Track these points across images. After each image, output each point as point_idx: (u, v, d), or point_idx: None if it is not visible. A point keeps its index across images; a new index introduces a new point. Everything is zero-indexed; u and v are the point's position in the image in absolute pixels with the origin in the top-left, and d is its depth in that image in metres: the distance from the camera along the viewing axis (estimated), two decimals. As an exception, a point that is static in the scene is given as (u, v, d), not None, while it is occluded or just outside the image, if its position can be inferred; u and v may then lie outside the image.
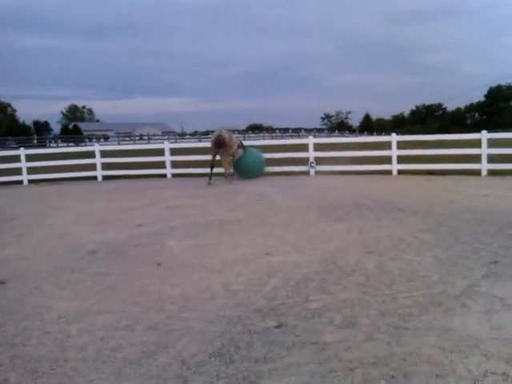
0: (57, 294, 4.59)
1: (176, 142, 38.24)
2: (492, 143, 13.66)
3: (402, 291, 4.21)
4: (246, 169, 14.49)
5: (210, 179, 13.53)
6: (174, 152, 16.62)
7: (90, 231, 7.51)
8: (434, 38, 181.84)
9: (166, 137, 53.46)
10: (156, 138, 53.47)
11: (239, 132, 57.95)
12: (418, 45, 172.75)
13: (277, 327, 3.56)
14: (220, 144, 13.40)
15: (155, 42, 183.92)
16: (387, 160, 14.52)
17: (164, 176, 15.98)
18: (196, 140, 46.44)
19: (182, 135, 63.37)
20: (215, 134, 14.09)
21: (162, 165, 16.09)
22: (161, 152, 16.25)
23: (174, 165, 16.19)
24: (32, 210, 10.09)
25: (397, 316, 3.66)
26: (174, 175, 15.99)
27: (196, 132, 60.56)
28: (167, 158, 15.99)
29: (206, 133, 56.88)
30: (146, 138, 52.55)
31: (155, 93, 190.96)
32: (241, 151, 14.40)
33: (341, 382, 2.77)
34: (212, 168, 13.66)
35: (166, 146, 16.39)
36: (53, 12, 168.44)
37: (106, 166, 16.57)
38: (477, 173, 13.35)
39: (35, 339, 3.56)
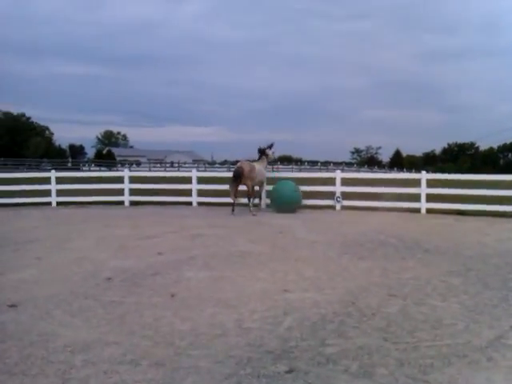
0: (66, 321, 4.51)
1: (205, 171, 38.63)
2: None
3: (424, 339, 3.96)
4: (281, 201, 14.10)
5: (233, 210, 13.46)
6: (200, 180, 16.70)
7: (109, 257, 7.47)
8: (468, 77, 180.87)
9: (196, 165, 54.13)
10: (186, 165, 54.22)
11: (269, 163, 58.28)
12: (451, 83, 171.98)
13: (288, 372, 3.37)
14: (238, 175, 13.40)
15: (190, 74, 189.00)
16: (416, 198, 14.21)
17: (190, 204, 16.01)
18: (225, 169, 46.75)
19: (212, 164, 64.09)
20: (237, 165, 14.16)
21: (188, 193, 16.16)
22: (188, 180, 16.34)
23: (201, 193, 16.24)
24: (55, 233, 10.16)
25: (417, 367, 3.42)
26: (200, 203, 16.01)
27: (226, 161, 61.15)
28: (194, 187, 16.05)
29: (236, 162, 57.57)
30: (176, 165, 53.32)
31: (187, 122, 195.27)
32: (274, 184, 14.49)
33: None
34: (234, 198, 13.61)
35: (194, 174, 16.48)
36: (93, 41, 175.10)
37: (134, 192, 16.75)
38: (509, 215, 12.89)
39: (37, 369, 3.46)
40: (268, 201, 15.08)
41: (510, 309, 4.78)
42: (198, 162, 60.11)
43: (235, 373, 3.36)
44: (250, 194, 13.87)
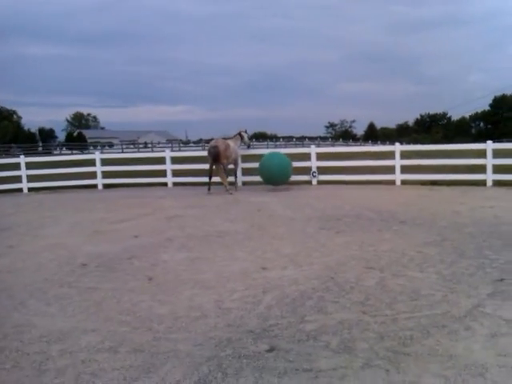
0: (42, 311, 4.39)
1: (180, 150, 38.21)
2: (497, 153, 13.43)
3: (403, 311, 3.99)
4: (269, 175, 13.67)
5: (209, 189, 13.39)
6: (175, 160, 16.47)
7: (83, 242, 7.32)
8: (437, 47, 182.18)
9: (170, 144, 53.44)
10: (160, 145, 53.43)
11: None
12: (421, 54, 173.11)
13: (268, 351, 3.34)
14: (214, 155, 13.25)
15: (157, 51, 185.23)
16: (391, 170, 14.32)
17: (165, 185, 15.82)
18: (200, 148, 46.34)
19: (186, 143, 63.30)
20: (211, 143, 13.96)
21: (163, 173, 15.94)
22: (162, 160, 16.10)
23: (176, 173, 16.03)
24: (27, 220, 9.91)
25: (397, 340, 3.44)
26: (175, 184, 15.83)
27: (201, 140, 60.46)
28: (168, 167, 15.83)
29: (211, 140, 57.03)
30: (150, 145, 52.54)
31: (159, 101, 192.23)
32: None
33: (334, 415, 2.55)
34: (210, 177, 13.50)
35: (167, 154, 16.24)
36: (56, 20, 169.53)
37: (106, 175, 16.44)
38: (482, 183, 13.11)
39: (11, 362, 3.35)
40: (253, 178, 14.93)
41: (487, 277, 4.84)
42: (172, 142, 59.24)
43: (215, 355, 3.32)
44: (222, 173, 13.70)
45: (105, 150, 49.52)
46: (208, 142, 53.80)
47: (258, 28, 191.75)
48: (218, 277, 5.20)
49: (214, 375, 3.04)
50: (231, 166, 14.47)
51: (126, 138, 71.14)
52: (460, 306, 4.05)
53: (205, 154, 14.81)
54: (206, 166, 15.14)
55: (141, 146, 57.09)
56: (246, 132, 15.02)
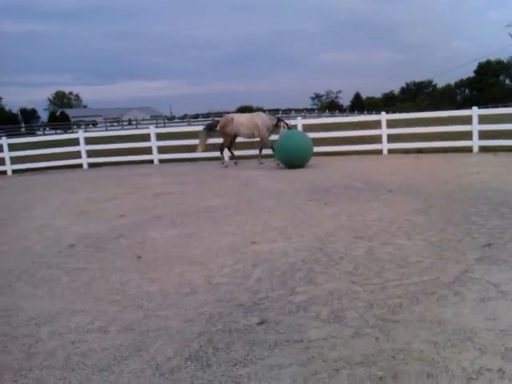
0: (30, 293, 4.35)
1: (164, 127, 37.76)
2: (483, 119, 13.44)
3: (392, 279, 4.00)
4: (286, 155, 12.18)
5: (234, 162, 13.71)
6: (160, 137, 16.29)
7: (70, 223, 7.24)
8: (419, 15, 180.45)
9: (155, 121, 52.80)
10: (144, 122, 52.77)
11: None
12: (403, 22, 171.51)
13: (259, 324, 3.34)
14: (209, 127, 13.74)
15: (135, 25, 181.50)
16: (377, 139, 14.29)
17: (151, 162, 15.67)
18: (185, 123, 45.88)
19: (171, 119, 62.49)
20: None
21: (148, 150, 15.76)
22: (147, 137, 15.90)
23: (161, 150, 15.87)
24: (12, 202, 9.77)
25: (386, 308, 3.46)
26: (162, 161, 15.69)
27: (186, 115, 59.74)
28: (153, 144, 15.64)
29: (196, 116, 56.28)
30: (134, 122, 51.89)
31: (140, 77, 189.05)
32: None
33: (325, 385, 2.56)
34: (229, 149, 13.94)
35: (152, 130, 16.03)
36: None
37: (91, 153, 16.23)
38: (468, 150, 13.15)
39: (0, 346, 3.32)
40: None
41: (474, 242, 4.88)
42: (156, 118, 58.50)
43: (206, 330, 3.32)
44: (220, 146, 13.85)
45: (89, 129, 48.83)
46: (193, 117, 53.30)
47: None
48: (207, 252, 5.18)
49: (205, 350, 3.03)
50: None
51: (109, 115, 70.05)
52: (448, 272, 4.07)
53: (191, 129, 14.71)
54: (193, 142, 15.03)
55: (125, 123, 56.26)
56: (283, 124, 13.25)
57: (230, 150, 13.98)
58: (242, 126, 13.18)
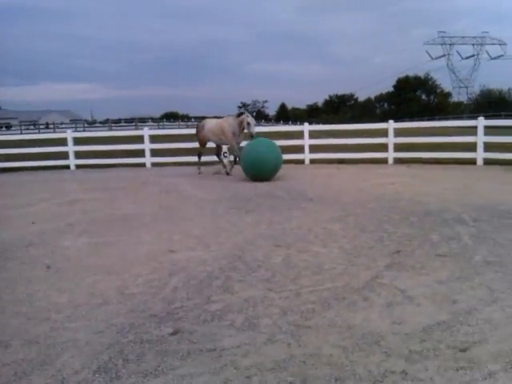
0: None
1: (84, 131, 36.40)
2: (398, 132, 14.20)
3: (306, 286, 4.08)
4: (251, 168, 11.03)
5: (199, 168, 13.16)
6: (78, 142, 15.65)
7: (-26, 231, 6.72)
8: (345, 30, 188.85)
9: (74, 125, 50.67)
10: (63, 126, 50.44)
11: (153, 120, 56.40)
12: (330, 36, 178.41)
13: (172, 334, 3.27)
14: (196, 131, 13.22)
15: (58, 27, 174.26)
16: (300, 149, 14.66)
17: (67, 168, 15.00)
18: (107, 128, 44.45)
19: (92, 123, 60.25)
20: None
21: (65, 155, 15.08)
22: (64, 142, 15.21)
23: (79, 155, 15.25)
24: None
25: (299, 314, 3.51)
26: (79, 166, 15.06)
27: (108, 120, 57.79)
28: (70, 149, 14.99)
29: (119, 120, 54.75)
30: (52, 126, 49.45)
31: (62, 79, 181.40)
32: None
33: (236, 393, 2.54)
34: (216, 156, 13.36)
35: (69, 135, 15.37)
36: None
37: (2, 158, 15.25)
38: (384, 161, 13.84)
39: None
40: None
41: (385, 249, 5.10)
42: (76, 122, 56.10)
43: (117, 341, 3.19)
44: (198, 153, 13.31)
45: (1, 132, 45.91)
46: (115, 122, 51.72)
47: (168, 4, 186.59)
48: (121, 262, 5.00)
49: (115, 362, 2.91)
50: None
51: (26, 118, 66.42)
52: (359, 278, 4.22)
53: (112, 134, 14.25)
54: (114, 147, 14.63)
55: (42, 126, 53.50)
56: (248, 115, 11.94)
57: (218, 156, 13.11)
58: (210, 133, 12.55)
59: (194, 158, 14.88)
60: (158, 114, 79.24)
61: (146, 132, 15.52)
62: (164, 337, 3.24)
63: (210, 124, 12.76)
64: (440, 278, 4.17)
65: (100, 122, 57.98)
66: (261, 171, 10.88)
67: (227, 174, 12.47)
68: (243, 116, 11.84)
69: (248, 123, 11.57)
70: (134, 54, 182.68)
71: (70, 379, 2.75)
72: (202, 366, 2.83)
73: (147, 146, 15.14)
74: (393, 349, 2.95)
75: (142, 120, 54.13)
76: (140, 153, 15.32)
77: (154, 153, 15.37)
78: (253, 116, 12.13)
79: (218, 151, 13.14)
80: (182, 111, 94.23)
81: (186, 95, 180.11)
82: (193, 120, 60.28)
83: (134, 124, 48.47)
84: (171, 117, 72.83)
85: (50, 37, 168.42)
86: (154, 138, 15.85)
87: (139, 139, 15.55)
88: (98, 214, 7.63)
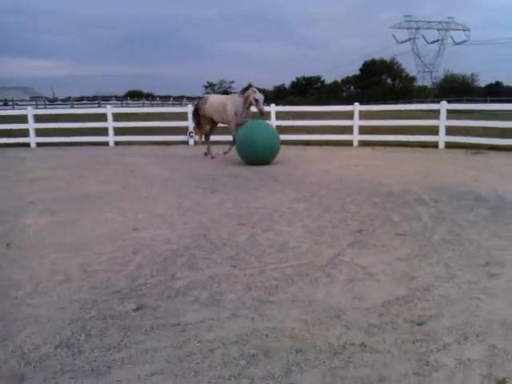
0: None
1: (45, 109, 35.31)
2: (363, 115, 14.37)
3: (270, 263, 4.13)
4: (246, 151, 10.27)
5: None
6: (39, 119, 15.18)
7: None
8: (312, 11, 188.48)
9: (34, 102, 49.00)
10: (23, 103, 48.69)
11: (117, 98, 55.13)
12: (297, 17, 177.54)
13: (135, 310, 3.26)
14: (193, 112, 12.17)
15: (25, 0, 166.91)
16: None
17: (27, 145, 14.55)
18: (69, 106, 43.22)
19: (53, 101, 58.26)
20: None
21: (25, 133, 14.62)
22: (24, 119, 14.73)
23: (41, 133, 14.80)
24: None
25: (263, 289, 3.56)
26: (40, 144, 14.64)
27: (69, 97, 56.12)
28: (31, 126, 14.54)
29: (81, 98, 53.28)
30: (10, 103, 47.66)
31: (24, 55, 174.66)
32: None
33: (198, 365, 2.57)
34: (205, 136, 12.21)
35: (30, 112, 14.88)
36: None
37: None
38: (349, 144, 14.02)
39: None
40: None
41: (348, 228, 5.21)
42: (36, 99, 54.22)
43: (79, 317, 3.16)
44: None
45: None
46: (77, 100, 50.22)
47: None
48: (84, 240, 4.93)
49: (77, 337, 2.89)
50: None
51: (-18, 94, 63.63)
52: (322, 256, 4.30)
53: (74, 111, 13.89)
54: (76, 125, 14.25)
55: (0, 103, 51.49)
56: (255, 90, 10.58)
57: (206, 136, 12.12)
58: (211, 108, 11.37)
59: (160, 138, 14.76)
60: (121, 93, 77.39)
61: (109, 110, 15.19)
62: (127, 312, 3.23)
63: (212, 99, 11.64)
64: (400, 255, 4.30)
65: (62, 100, 56.07)
66: (258, 156, 10.14)
67: (205, 154, 11.86)
68: (249, 91, 10.47)
69: (256, 100, 10.32)
70: (97, 31, 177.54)
71: (30, 354, 2.72)
72: (165, 340, 2.85)
73: (110, 124, 14.86)
74: (352, 322, 3.04)
75: (105, 98, 52.80)
76: (103, 131, 15.03)
77: (118, 131, 15.09)
78: (261, 91, 10.67)
79: (210, 131, 12.11)
80: (146, 90, 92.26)
81: (151, 74, 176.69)
82: (157, 99, 59.22)
83: (97, 102, 47.23)
84: (135, 95, 71.31)
85: (8, 10, 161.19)
86: (117, 117, 15.54)
87: (103, 117, 15.23)
88: (61, 192, 7.47)
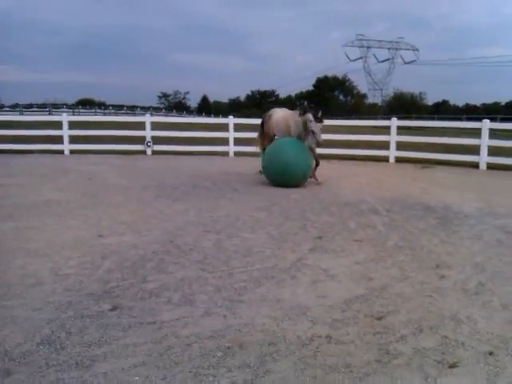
0: None
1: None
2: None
3: (237, 267, 4.34)
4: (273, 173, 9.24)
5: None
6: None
7: None
8: (268, 26, 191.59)
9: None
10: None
11: (68, 106, 53.87)
12: (253, 31, 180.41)
13: (111, 310, 3.38)
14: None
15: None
16: (225, 142, 14.91)
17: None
18: (18, 113, 41.89)
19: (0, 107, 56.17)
20: None
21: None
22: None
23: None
24: None
25: (233, 290, 3.76)
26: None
27: (17, 104, 54.27)
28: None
29: (30, 105, 51.67)
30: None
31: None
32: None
33: (178, 357, 2.74)
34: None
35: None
36: None
37: None
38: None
39: None
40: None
41: (308, 235, 5.50)
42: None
43: (57, 317, 3.25)
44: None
45: None
46: (25, 107, 48.56)
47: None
48: (50, 245, 4.97)
49: (58, 335, 2.99)
50: None
51: None
52: (286, 260, 4.55)
53: (23, 118, 13.62)
54: (28, 133, 13.94)
55: None
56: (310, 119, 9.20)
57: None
58: (276, 128, 10.17)
59: (117, 147, 14.68)
60: (72, 101, 75.64)
61: (65, 118, 15.01)
62: (104, 312, 3.35)
63: (277, 116, 10.28)
64: (357, 259, 4.61)
65: (9, 107, 54.12)
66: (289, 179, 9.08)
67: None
68: (305, 117, 9.28)
69: (313, 132, 9.23)
70: (48, 37, 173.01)
71: (13, 351, 2.80)
72: (143, 336, 3.00)
73: (66, 132, 14.68)
74: (318, 318, 3.29)
75: (56, 106, 51.45)
76: (57, 139, 14.80)
77: (73, 140, 14.90)
78: (313, 109, 9.51)
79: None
80: (97, 98, 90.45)
81: (105, 82, 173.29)
82: (110, 108, 58.24)
83: (47, 110, 45.98)
84: (87, 103, 69.79)
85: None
86: (72, 125, 15.36)
87: (56, 125, 15.00)
88: (20, 199, 7.38)
